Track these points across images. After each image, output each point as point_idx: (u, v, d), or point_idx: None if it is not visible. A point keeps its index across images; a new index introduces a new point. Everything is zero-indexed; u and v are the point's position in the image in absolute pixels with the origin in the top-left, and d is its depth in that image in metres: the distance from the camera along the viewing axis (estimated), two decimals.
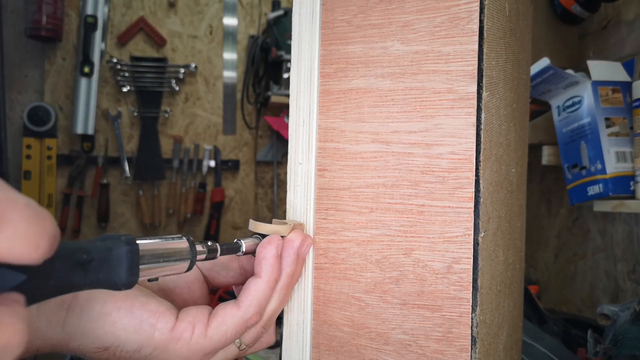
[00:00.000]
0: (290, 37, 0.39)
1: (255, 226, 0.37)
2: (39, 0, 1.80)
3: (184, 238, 0.30)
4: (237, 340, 0.33)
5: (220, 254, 0.33)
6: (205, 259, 0.32)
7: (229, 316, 0.32)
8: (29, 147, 1.83)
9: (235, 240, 0.34)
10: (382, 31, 0.35)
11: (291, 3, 0.39)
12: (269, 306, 0.34)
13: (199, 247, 0.31)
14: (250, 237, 0.36)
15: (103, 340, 0.30)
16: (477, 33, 0.32)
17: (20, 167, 1.82)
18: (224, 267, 0.38)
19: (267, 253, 0.33)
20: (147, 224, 1.99)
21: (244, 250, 0.34)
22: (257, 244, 0.35)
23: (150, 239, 0.28)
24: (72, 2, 2.00)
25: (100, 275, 0.24)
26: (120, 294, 0.31)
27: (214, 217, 2.08)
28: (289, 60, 0.40)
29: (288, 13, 2.15)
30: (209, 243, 0.32)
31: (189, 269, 0.30)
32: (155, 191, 2.02)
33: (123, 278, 0.25)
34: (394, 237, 0.34)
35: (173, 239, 0.30)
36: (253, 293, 0.32)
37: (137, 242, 0.27)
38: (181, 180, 2.06)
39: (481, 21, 0.32)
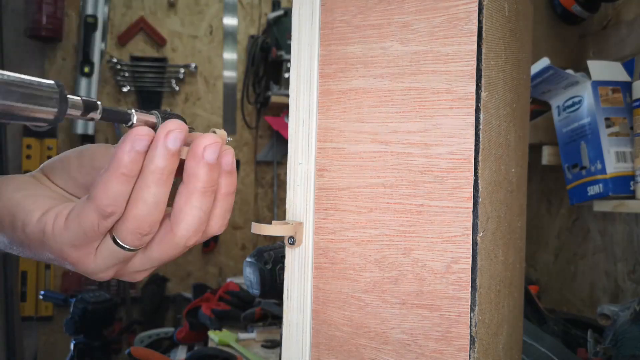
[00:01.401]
0: (290, 37, 0.39)
1: (258, 228, 0.37)
2: (39, 0, 1.81)
3: (53, 82, 0.26)
4: (123, 244, 0.31)
5: (102, 117, 0.28)
6: (82, 116, 0.27)
7: (81, 206, 0.30)
8: (29, 147, 1.83)
9: (127, 109, 0.30)
10: (381, 31, 0.35)
11: (291, 3, 0.39)
12: (134, 200, 0.30)
13: (74, 98, 0.26)
14: (149, 112, 0.31)
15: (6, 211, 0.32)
16: (476, 33, 0.32)
17: (20, 167, 1.82)
18: None
19: (118, 148, 0.29)
20: None
21: (134, 122, 0.29)
22: (152, 122, 0.30)
23: (12, 75, 0.24)
24: (72, 2, 2.00)
25: None
26: (10, 189, 0.33)
27: None
28: (289, 60, 0.41)
29: (288, 13, 2.16)
30: (89, 99, 0.27)
31: (56, 120, 0.26)
32: None
33: None
34: (393, 237, 0.35)
35: (42, 80, 0.25)
36: (98, 182, 0.29)
37: None
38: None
39: (480, 22, 0.32)
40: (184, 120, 0.31)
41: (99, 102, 0.28)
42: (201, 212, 0.32)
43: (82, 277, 2.15)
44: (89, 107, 0.27)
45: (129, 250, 0.32)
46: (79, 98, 0.27)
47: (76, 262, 0.32)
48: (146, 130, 0.28)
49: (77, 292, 1.85)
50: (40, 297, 1.82)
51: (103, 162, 0.36)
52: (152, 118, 0.30)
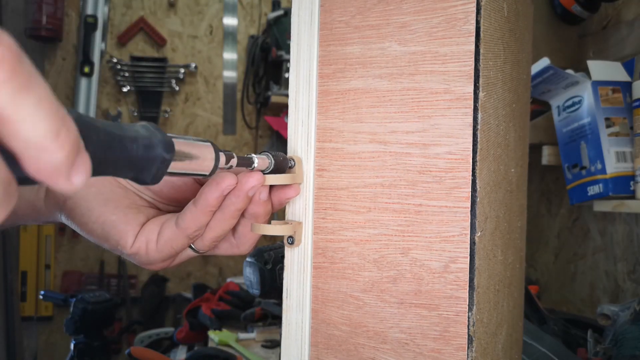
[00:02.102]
0: (290, 37, 0.39)
1: (258, 228, 0.37)
2: (39, 0, 1.81)
3: (209, 143, 0.31)
4: (196, 250, 0.39)
5: (237, 166, 0.34)
6: (225, 165, 0.32)
7: (171, 232, 0.37)
8: None
9: (248, 155, 0.35)
10: (380, 32, 0.35)
11: (291, 3, 0.39)
12: (214, 226, 0.37)
13: (221, 155, 0.32)
14: (261, 153, 0.36)
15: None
16: (474, 34, 0.32)
17: None
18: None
19: (207, 190, 0.35)
20: None
21: (255, 166, 0.35)
22: (267, 161, 0.35)
23: (180, 138, 0.29)
24: (72, 2, 2.00)
25: (134, 169, 0.25)
26: (96, 204, 0.37)
27: None
28: (289, 60, 0.40)
29: (288, 13, 2.16)
30: (228, 152, 0.33)
31: (211, 174, 0.31)
32: None
33: (152, 175, 0.26)
34: (391, 237, 0.35)
35: (199, 141, 0.30)
36: (187, 215, 0.36)
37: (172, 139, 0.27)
38: None
39: (477, 22, 0.32)
40: (286, 157, 0.38)
41: (234, 153, 0.34)
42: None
43: (82, 277, 2.15)
44: (229, 158, 0.33)
45: (197, 252, 0.40)
46: (222, 152, 0.32)
47: (157, 267, 0.40)
48: (232, 180, 0.35)
49: (77, 292, 1.85)
50: (40, 297, 1.82)
51: None
52: (266, 162, 0.36)
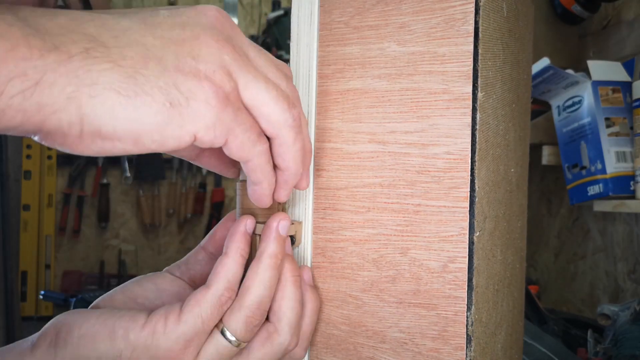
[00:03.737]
0: (290, 37, 0.39)
1: (259, 228, 0.37)
2: (39, 1, 1.81)
3: None
4: (231, 337, 0.32)
5: None
6: None
7: (200, 296, 0.31)
8: (29, 147, 1.83)
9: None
10: (379, 32, 0.35)
11: (291, 3, 0.39)
12: (250, 286, 0.32)
13: None
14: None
15: (88, 358, 0.31)
16: (472, 34, 0.32)
17: (21, 167, 1.82)
18: (195, 261, 0.38)
19: (234, 230, 0.33)
20: (147, 224, 1.99)
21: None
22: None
23: None
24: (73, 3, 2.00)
25: None
26: (94, 313, 0.32)
27: (214, 217, 2.08)
28: (289, 60, 0.41)
29: (288, 13, 2.16)
30: None
31: None
32: (155, 191, 2.02)
33: None
34: (390, 237, 0.35)
35: None
36: (219, 269, 0.32)
37: None
38: (181, 180, 2.06)
39: (476, 22, 0.32)
40: None
41: None
42: (296, 303, 0.34)
43: (82, 277, 2.15)
44: None
45: (236, 345, 0.32)
46: None
47: None
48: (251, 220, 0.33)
49: (77, 292, 1.85)
50: (40, 297, 1.82)
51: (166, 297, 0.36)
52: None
